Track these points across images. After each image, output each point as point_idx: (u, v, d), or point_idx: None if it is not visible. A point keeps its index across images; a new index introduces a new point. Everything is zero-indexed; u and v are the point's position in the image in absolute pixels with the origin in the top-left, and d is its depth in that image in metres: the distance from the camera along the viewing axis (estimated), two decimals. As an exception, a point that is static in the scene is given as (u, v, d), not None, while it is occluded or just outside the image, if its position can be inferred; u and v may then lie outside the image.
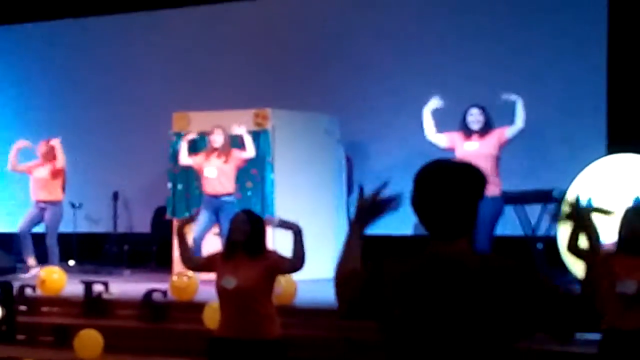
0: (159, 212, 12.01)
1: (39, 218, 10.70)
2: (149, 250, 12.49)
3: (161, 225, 11.77)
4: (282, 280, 8.39)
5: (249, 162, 10.24)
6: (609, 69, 10.71)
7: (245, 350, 5.49)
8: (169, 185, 10.84)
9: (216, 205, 9.78)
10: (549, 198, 9.15)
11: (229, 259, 5.63)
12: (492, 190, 8.16)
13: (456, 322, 2.63)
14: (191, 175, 10.48)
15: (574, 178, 8.32)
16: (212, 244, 9.83)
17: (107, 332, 8.06)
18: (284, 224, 5.79)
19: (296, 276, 8.75)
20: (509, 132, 8.55)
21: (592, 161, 8.32)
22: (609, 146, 10.23)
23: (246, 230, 5.57)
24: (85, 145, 13.02)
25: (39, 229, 10.84)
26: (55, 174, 10.67)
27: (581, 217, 3.48)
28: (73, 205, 12.13)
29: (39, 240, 10.78)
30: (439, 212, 2.72)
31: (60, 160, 10.66)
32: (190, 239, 6.25)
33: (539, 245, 9.30)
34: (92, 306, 8.89)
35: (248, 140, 9.91)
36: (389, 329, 2.75)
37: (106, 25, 13.57)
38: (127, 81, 13.18)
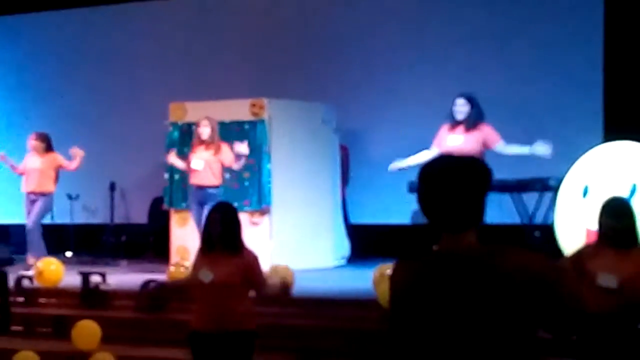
0: (156, 203, 12.01)
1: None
2: (146, 240, 12.49)
3: (158, 215, 11.76)
4: (279, 270, 8.41)
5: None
6: (606, 57, 10.71)
7: (219, 341, 5.53)
8: (166, 175, 10.83)
9: (201, 197, 9.74)
10: (546, 186, 9.15)
11: (208, 253, 5.64)
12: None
13: (468, 317, 2.63)
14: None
15: (571, 166, 8.32)
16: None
17: (105, 323, 8.06)
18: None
19: (293, 265, 8.77)
20: (497, 147, 8.47)
21: (589, 149, 8.31)
22: (606, 134, 10.23)
23: (218, 230, 5.57)
24: (81, 136, 12.97)
25: (46, 220, 10.78)
26: (52, 166, 10.61)
27: None
28: (70, 197, 12.12)
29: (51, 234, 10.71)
30: (446, 208, 2.71)
31: (74, 165, 10.63)
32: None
33: (537, 233, 9.30)
34: (90, 297, 8.89)
35: (242, 160, 9.81)
36: (404, 328, 2.73)
37: (102, 15, 13.54)
38: (124, 71, 13.16)
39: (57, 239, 10.74)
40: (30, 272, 9.57)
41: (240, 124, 10.49)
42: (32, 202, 10.57)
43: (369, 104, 11.81)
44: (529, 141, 10.55)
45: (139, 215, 12.81)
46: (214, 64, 12.61)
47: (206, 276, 5.53)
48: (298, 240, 10.49)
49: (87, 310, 8.61)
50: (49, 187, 10.59)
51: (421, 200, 2.77)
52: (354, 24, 12.13)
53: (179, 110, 10.88)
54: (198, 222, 9.70)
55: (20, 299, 8.96)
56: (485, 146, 8.47)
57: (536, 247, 9.15)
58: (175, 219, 10.84)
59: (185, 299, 5.85)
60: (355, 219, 11.63)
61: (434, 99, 10.86)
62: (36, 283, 9.30)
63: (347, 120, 11.43)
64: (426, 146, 8.87)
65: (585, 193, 7.99)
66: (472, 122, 8.43)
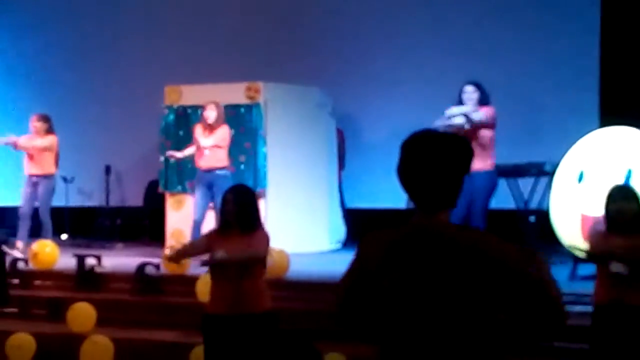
0: (152, 186, 12.00)
1: (34, 194, 10.60)
2: (141, 223, 12.49)
3: (154, 198, 11.76)
4: (274, 254, 8.41)
5: (242, 136, 10.21)
6: (602, 42, 10.70)
7: (236, 324, 5.53)
8: (161, 158, 10.81)
9: (209, 180, 9.70)
10: (542, 171, 9.15)
11: (224, 235, 5.69)
12: (486, 164, 8.14)
13: (436, 293, 2.64)
14: (183, 149, 10.45)
15: (566, 151, 8.32)
16: (211, 225, 9.84)
17: (100, 306, 8.07)
18: None
19: (288, 249, 8.77)
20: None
21: (585, 134, 8.31)
22: (602, 119, 10.24)
23: (234, 210, 5.62)
24: (77, 119, 12.97)
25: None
26: (53, 149, 10.57)
27: None
28: (65, 179, 12.10)
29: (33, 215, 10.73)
30: (423, 183, 2.71)
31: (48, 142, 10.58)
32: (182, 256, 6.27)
33: (532, 218, 9.30)
34: (85, 280, 8.90)
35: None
36: (378, 300, 2.75)
37: (96, 1, 13.50)
38: (119, 54, 13.12)
39: (52, 221, 10.71)
40: (14, 254, 9.59)
41: (235, 107, 10.47)
42: (34, 184, 10.53)
43: (365, 88, 11.79)
44: (525, 126, 10.58)
45: (135, 198, 12.80)
46: (210, 47, 12.57)
47: (219, 255, 5.57)
48: (293, 223, 10.49)
49: (82, 293, 8.62)
50: (51, 169, 10.57)
51: (400, 173, 2.76)
52: (350, 7, 12.10)
53: (174, 94, 10.85)
54: (202, 208, 9.65)
55: (16, 281, 8.96)
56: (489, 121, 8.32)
57: (531, 232, 9.17)
58: (170, 202, 10.83)
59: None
60: (350, 203, 11.64)
61: (430, 83, 10.86)
62: (31, 265, 9.30)
63: (343, 104, 11.42)
64: (422, 129, 8.83)
65: (580, 178, 8.00)
66: (479, 107, 8.38)
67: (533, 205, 9.39)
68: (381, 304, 2.74)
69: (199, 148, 9.71)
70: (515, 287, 2.62)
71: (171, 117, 10.83)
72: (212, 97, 10.08)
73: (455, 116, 8.20)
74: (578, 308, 6.32)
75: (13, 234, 10.89)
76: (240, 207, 5.62)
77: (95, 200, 12.87)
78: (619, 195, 5.35)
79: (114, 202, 12.68)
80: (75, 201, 12.61)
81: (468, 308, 2.63)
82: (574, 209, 7.90)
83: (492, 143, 8.34)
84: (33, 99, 13.01)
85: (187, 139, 10.21)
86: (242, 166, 10.46)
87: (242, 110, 10.48)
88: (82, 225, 12.64)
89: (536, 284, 2.62)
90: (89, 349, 7.35)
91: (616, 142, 7.95)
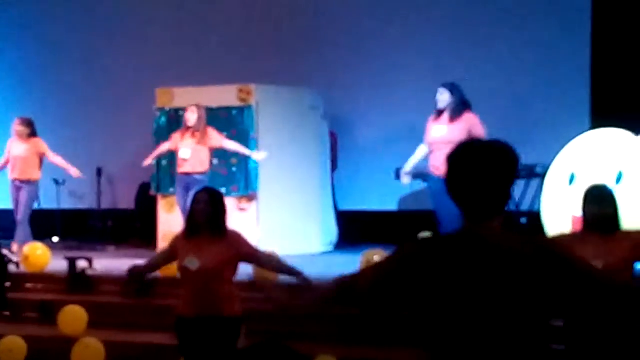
0: (143, 188, 11.98)
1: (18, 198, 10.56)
2: (133, 226, 12.47)
3: (145, 201, 11.74)
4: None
5: (234, 138, 10.21)
6: (593, 44, 10.72)
7: (204, 326, 5.53)
8: (153, 161, 10.80)
9: (187, 182, 9.73)
10: (533, 173, 9.18)
11: (192, 238, 5.60)
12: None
13: (491, 301, 2.64)
14: (174, 152, 10.46)
15: (557, 153, 8.34)
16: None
17: (92, 308, 8.05)
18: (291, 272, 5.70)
19: (280, 251, 8.77)
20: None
21: (576, 136, 8.33)
22: (593, 121, 10.26)
23: (208, 211, 5.53)
24: (69, 121, 12.95)
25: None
26: (36, 153, 10.54)
27: None
28: (56, 182, 12.07)
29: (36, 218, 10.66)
30: (475, 193, 2.71)
31: (57, 160, 10.59)
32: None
33: (523, 220, 9.33)
34: (76, 282, 8.88)
35: (233, 146, 9.91)
36: (427, 309, 2.73)
37: (87, 0, 13.46)
38: (111, 57, 13.10)
39: (43, 224, 10.69)
40: (14, 257, 9.56)
41: (227, 109, 10.47)
42: (18, 189, 10.49)
43: (357, 90, 11.79)
44: (516, 128, 10.59)
45: (126, 200, 12.78)
46: (202, 49, 12.57)
47: (193, 264, 5.51)
48: (285, 225, 10.49)
49: (73, 296, 8.60)
50: (34, 174, 10.49)
51: (450, 185, 2.76)
52: (343, 10, 12.11)
53: (166, 96, 10.85)
54: (183, 208, 9.70)
55: (7, 284, 8.92)
56: (470, 136, 8.41)
57: (522, 233, 9.19)
58: (162, 205, 10.82)
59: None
60: (343, 205, 11.64)
61: (422, 86, 10.85)
62: (23, 268, 9.27)
63: (335, 107, 11.42)
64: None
65: (571, 180, 8.02)
66: (454, 111, 8.37)
67: (524, 207, 9.41)
68: (432, 312, 2.72)
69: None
70: (582, 285, 2.66)
71: (163, 119, 10.82)
72: (204, 100, 10.09)
73: None
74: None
75: (5, 237, 10.86)
76: (214, 209, 5.53)
77: (86, 203, 12.84)
78: (593, 198, 5.36)
79: (105, 204, 12.66)
80: (67, 203, 12.58)
81: (524, 315, 2.64)
82: (565, 211, 7.92)
83: None
84: (23, 101, 12.97)
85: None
86: (234, 168, 10.46)
87: (234, 112, 10.48)
88: (73, 227, 12.61)
89: (587, 275, 2.68)
90: (81, 352, 7.33)
91: (607, 144, 7.97)
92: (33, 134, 10.56)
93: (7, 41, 13.82)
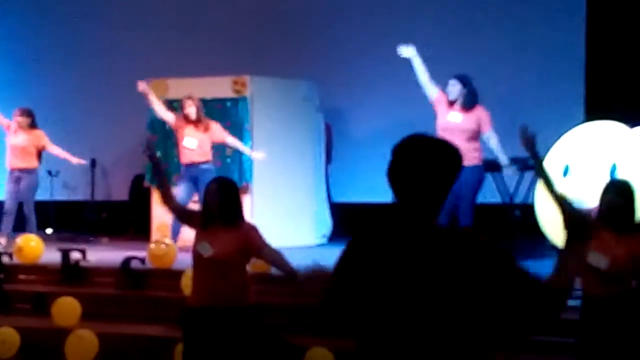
0: (137, 180, 11.97)
1: (18, 189, 10.57)
2: (126, 217, 12.46)
3: (139, 192, 11.73)
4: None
5: (229, 130, 10.19)
6: (588, 36, 10.72)
7: (219, 317, 5.51)
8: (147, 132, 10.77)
9: (194, 174, 9.73)
10: (527, 165, 9.17)
11: (207, 227, 5.62)
12: (473, 159, 8.18)
13: (422, 297, 2.64)
14: (170, 143, 10.43)
15: (551, 145, 8.34)
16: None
17: (85, 300, 8.04)
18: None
19: (274, 243, 8.75)
20: (486, 134, 8.43)
21: (570, 128, 8.33)
22: (587, 113, 10.26)
23: (217, 200, 5.55)
24: (62, 112, 12.92)
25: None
26: (35, 144, 10.54)
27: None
28: (50, 173, 12.05)
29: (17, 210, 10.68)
30: (413, 186, 2.72)
31: (58, 151, 10.61)
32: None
33: (517, 213, 9.34)
34: (70, 274, 8.86)
35: (235, 143, 9.89)
36: (362, 298, 2.74)
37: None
38: (105, 48, 13.07)
39: (37, 215, 10.67)
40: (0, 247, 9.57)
41: (222, 101, 10.45)
42: (17, 179, 10.51)
43: (353, 82, 11.78)
44: (510, 120, 10.57)
45: (120, 192, 12.76)
46: (196, 40, 12.54)
47: (205, 250, 5.51)
48: (279, 218, 10.48)
49: (67, 287, 8.59)
50: (33, 163, 10.55)
51: (390, 175, 2.77)
52: (339, 1, 12.08)
53: (161, 87, 10.82)
54: (185, 201, 9.66)
55: (0, 276, 8.92)
56: (479, 127, 8.44)
57: (516, 226, 9.20)
58: (156, 196, 10.79)
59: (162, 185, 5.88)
60: (337, 198, 11.64)
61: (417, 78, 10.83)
62: (16, 259, 9.26)
63: (329, 98, 11.41)
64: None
65: (565, 172, 8.02)
66: (467, 102, 8.42)
67: (518, 199, 9.42)
68: (366, 302, 2.73)
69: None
70: (507, 284, 2.63)
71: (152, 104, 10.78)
72: (198, 91, 10.06)
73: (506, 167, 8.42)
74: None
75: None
76: (224, 198, 5.56)
77: (80, 194, 12.82)
78: (612, 189, 5.37)
79: (99, 196, 12.64)
80: (61, 195, 12.56)
81: (453, 308, 2.63)
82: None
83: (479, 138, 8.39)
84: (17, 92, 12.94)
85: (173, 133, 10.18)
86: (229, 160, 10.45)
87: (229, 104, 10.46)
88: (67, 219, 12.59)
89: (527, 277, 2.65)
90: (74, 343, 7.33)
91: (601, 136, 7.98)
92: (33, 124, 10.59)
93: (2, 32, 13.77)
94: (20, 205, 10.55)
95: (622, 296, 5.22)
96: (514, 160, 9.27)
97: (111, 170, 12.91)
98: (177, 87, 10.59)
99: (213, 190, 5.57)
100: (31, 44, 13.55)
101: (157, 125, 10.69)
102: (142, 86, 9.74)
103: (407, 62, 8.98)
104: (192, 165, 9.75)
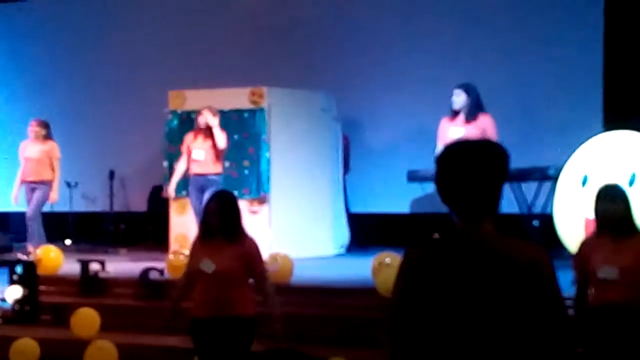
0: (155, 191, 11.99)
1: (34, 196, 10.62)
2: (145, 228, 12.49)
3: (157, 203, 11.75)
4: (278, 259, 8.41)
5: (246, 141, 10.23)
6: (606, 46, 10.69)
7: (219, 327, 5.54)
8: (165, 163, 10.83)
9: (201, 183, 9.82)
10: (545, 175, 9.15)
11: (207, 242, 5.63)
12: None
13: (479, 303, 2.63)
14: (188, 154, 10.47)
15: (570, 155, 8.31)
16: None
17: (104, 311, 8.07)
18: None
19: (293, 254, 8.77)
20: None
21: (589, 138, 8.30)
22: (605, 123, 10.22)
23: (215, 221, 5.55)
24: (81, 124, 12.99)
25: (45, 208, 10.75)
26: (49, 156, 10.58)
27: None
28: (69, 185, 12.11)
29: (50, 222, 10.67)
30: (464, 193, 2.70)
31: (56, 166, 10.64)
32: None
33: (535, 223, 9.30)
34: (89, 285, 8.89)
35: (217, 133, 9.80)
36: (416, 310, 2.72)
37: (99, 2, 13.50)
38: (123, 59, 13.13)
39: (56, 226, 10.73)
40: (27, 258, 9.57)
41: (239, 112, 10.48)
42: (32, 190, 10.56)
43: (369, 93, 11.78)
44: (528, 130, 10.57)
45: (138, 203, 12.80)
46: (214, 51, 12.58)
47: (208, 267, 5.52)
48: (297, 228, 10.49)
49: (86, 298, 8.62)
50: (48, 175, 10.58)
51: (439, 185, 2.75)
52: (355, 12, 12.10)
53: (178, 99, 10.86)
54: (197, 210, 9.73)
55: (42, 288, 8.94)
56: (484, 137, 8.42)
57: (535, 236, 9.16)
58: (174, 207, 10.83)
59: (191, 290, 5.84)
60: (355, 208, 11.63)
61: (434, 87, 10.84)
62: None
63: (347, 109, 11.42)
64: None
65: (584, 182, 7.99)
66: (470, 112, 8.39)
67: (537, 209, 9.38)
68: (423, 315, 2.71)
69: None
70: (543, 304, 2.64)
71: (175, 122, 10.84)
72: (216, 102, 10.10)
73: None
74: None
75: (18, 239, 10.90)
76: (224, 216, 5.53)
77: (99, 205, 12.88)
78: (606, 196, 5.33)
79: (117, 207, 12.68)
80: (79, 206, 12.62)
81: (510, 320, 2.62)
82: (577, 213, 7.89)
83: None
84: (36, 104, 13.01)
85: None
86: (246, 171, 10.47)
87: (246, 115, 10.49)
88: (86, 230, 12.64)
89: (558, 310, 2.65)
90: (93, 354, 7.35)
91: (620, 146, 7.94)
92: (49, 135, 10.65)
93: (21, 43, 13.87)
94: (49, 215, 10.56)
95: (631, 301, 5.19)
96: (533, 170, 9.25)
97: (129, 181, 12.96)
98: (195, 99, 10.63)
99: (212, 209, 5.56)
100: (50, 55, 13.62)
101: (175, 136, 10.73)
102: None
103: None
104: (200, 176, 9.84)
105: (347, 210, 11.43)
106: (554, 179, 8.62)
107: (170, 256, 9.03)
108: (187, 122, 10.62)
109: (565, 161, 8.34)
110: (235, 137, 10.24)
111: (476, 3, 11.40)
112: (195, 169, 9.92)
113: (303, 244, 10.31)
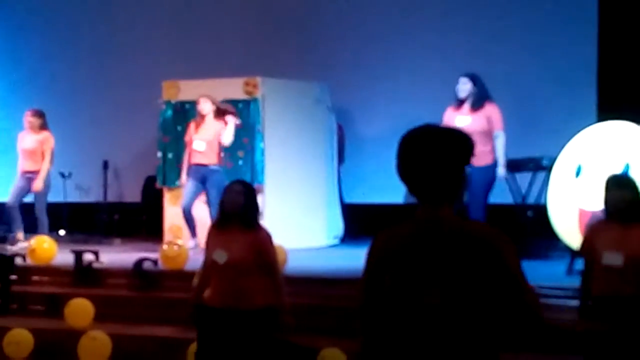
0: (149, 181, 11.98)
1: (26, 189, 10.62)
2: (139, 219, 12.48)
3: (151, 194, 11.75)
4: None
5: (240, 131, 10.21)
6: (600, 36, 10.69)
7: (234, 319, 5.50)
8: (159, 154, 10.81)
9: (202, 173, 9.82)
10: (539, 166, 9.15)
11: (222, 230, 5.62)
12: (485, 158, 8.17)
13: (440, 286, 2.64)
14: (181, 144, 10.45)
15: (564, 145, 8.32)
16: (201, 212, 9.88)
17: (98, 301, 8.07)
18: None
19: (287, 245, 8.77)
20: (494, 133, 8.42)
21: (583, 128, 8.31)
22: (599, 113, 10.23)
23: (241, 201, 5.53)
24: (74, 114, 12.96)
25: (28, 198, 10.77)
26: (44, 145, 10.57)
27: None
28: (63, 175, 12.09)
29: (28, 211, 10.73)
30: (424, 177, 2.73)
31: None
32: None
33: (529, 213, 9.31)
34: (83, 275, 8.89)
35: (230, 129, 9.80)
36: (378, 296, 2.75)
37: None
38: (117, 49, 13.10)
39: (50, 217, 10.70)
40: (17, 247, 9.56)
41: (233, 102, 10.46)
42: (29, 180, 10.54)
43: (364, 83, 11.77)
44: (522, 120, 10.56)
45: (132, 193, 12.79)
46: (208, 41, 12.55)
47: (221, 257, 5.51)
48: (291, 219, 10.49)
49: (80, 289, 8.61)
50: (45, 165, 10.57)
51: (400, 169, 2.77)
52: (349, 2, 12.08)
53: (172, 89, 10.84)
54: (191, 197, 9.75)
55: (14, 277, 8.94)
56: (489, 126, 8.42)
57: (529, 226, 9.18)
58: (168, 198, 10.83)
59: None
60: (349, 198, 11.63)
61: (430, 78, 10.85)
62: (29, 261, 9.29)
63: (342, 99, 11.41)
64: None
65: (578, 173, 7.99)
66: (476, 101, 8.40)
67: (531, 200, 9.39)
68: (383, 299, 2.73)
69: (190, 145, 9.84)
70: (503, 285, 2.64)
71: (169, 112, 10.82)
72: (210, 92, 10.09)
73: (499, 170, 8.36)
74: (575, 302, 6.31)
75: (9, 230, 10.89)
76: (247, 201, 5.55)
77: (92, 196, 12.85)
78: (614, 184, 5.35)
79: (111, 197, 12.66)
80: (73, 197, 12.59)
81: (470, 301, 2.64)
82: (571, 203, 7.90)
83: (491, 137, 8.38)
84: (29, 93, 12.98)
85: (184, 134, 10.22)
86: (241, 161, 10.46)
87: (240, 105, 10.48)
88: (79, 220, 12.62)
89: (519, 286, 2.65)
90: (87, 345, 7.35)
91: (614, 136, 7.95)
92: (44, 125, 10.63)
93: (14, 33, 13.82)
94: (31, 207, 10.58)
95: (635, 290, 5.18)
96: (527, 160, 9.25)
97: (123, 172, 12.94)
98: (189, 89, 10.61)
99: (237, 191, 5.55)
100: (44, 46, 13.59)
101: (169, 126, 10.72)
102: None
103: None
104: (201, 166, 9.81)
105: (342, 200, 11.43)
106: (548, 169, 8.63)
107: (164, 247, 9.02)
108: (181, 112, 10.61)
109: (559, 152, 8.34)
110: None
111: (476, 0, 11.38)
112: (195, 160, 9.89)
113: (297, 235, 10.31)
